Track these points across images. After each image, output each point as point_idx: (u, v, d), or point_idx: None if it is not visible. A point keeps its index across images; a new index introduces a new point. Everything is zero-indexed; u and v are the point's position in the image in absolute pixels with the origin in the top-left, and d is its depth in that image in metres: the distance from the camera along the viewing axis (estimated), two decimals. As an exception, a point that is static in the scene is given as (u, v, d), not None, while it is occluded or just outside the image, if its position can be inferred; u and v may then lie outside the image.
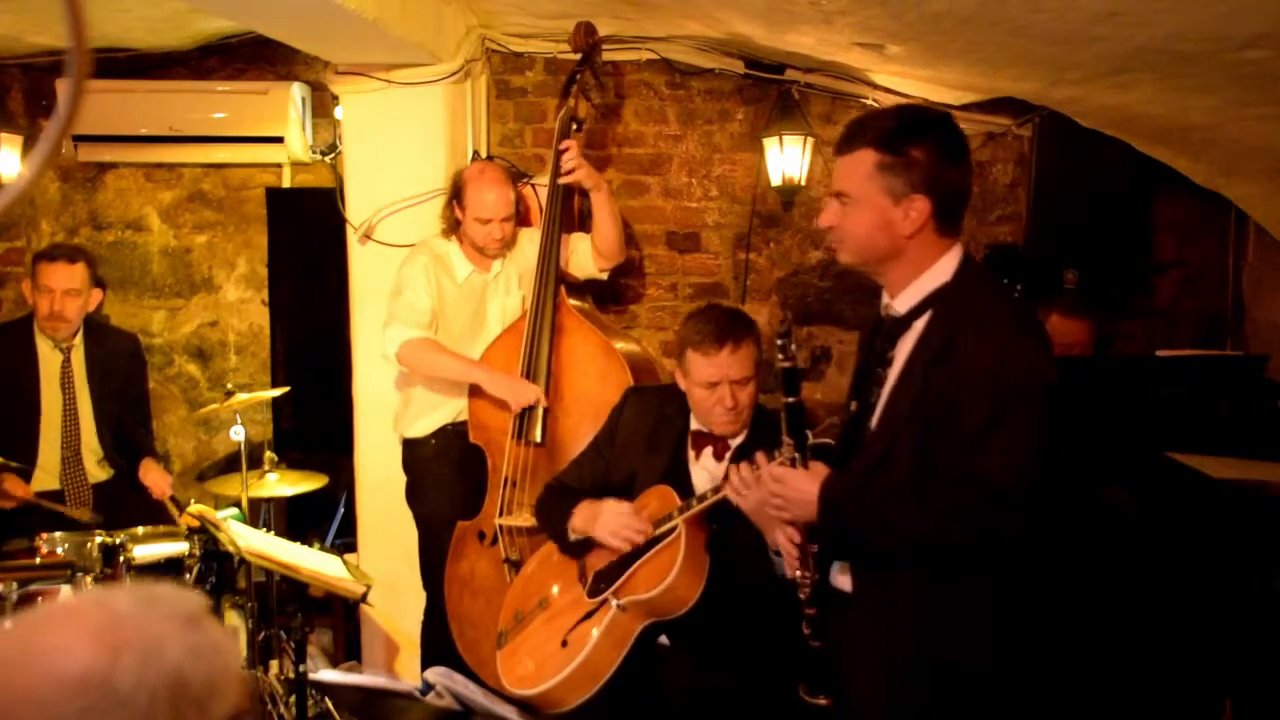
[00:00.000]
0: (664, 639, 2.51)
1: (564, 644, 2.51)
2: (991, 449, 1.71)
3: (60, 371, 3.65)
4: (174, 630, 0.94)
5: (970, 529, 1.73)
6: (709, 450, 2.57)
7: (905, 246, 1.86)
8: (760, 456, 2.11)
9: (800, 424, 1.96)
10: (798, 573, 2.00)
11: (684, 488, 2.51)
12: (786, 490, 1.92)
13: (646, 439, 2.66)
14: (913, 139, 1.82)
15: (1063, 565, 1.84)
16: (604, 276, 3.65)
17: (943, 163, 1.83)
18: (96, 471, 3.72)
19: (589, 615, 2.51)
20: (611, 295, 4.13)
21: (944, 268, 1.87)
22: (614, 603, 2.45)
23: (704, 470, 2.57)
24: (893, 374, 1.87)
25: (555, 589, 2.69)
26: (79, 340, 3.69)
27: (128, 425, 3.81)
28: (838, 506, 1.84)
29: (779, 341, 1.98)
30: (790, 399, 1.98)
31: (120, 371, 3.80)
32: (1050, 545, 1.79)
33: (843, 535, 1.88)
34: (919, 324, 1.86)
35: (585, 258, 3.57)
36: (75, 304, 3.60)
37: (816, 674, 2.03)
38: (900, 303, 1.90)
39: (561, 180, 3.42)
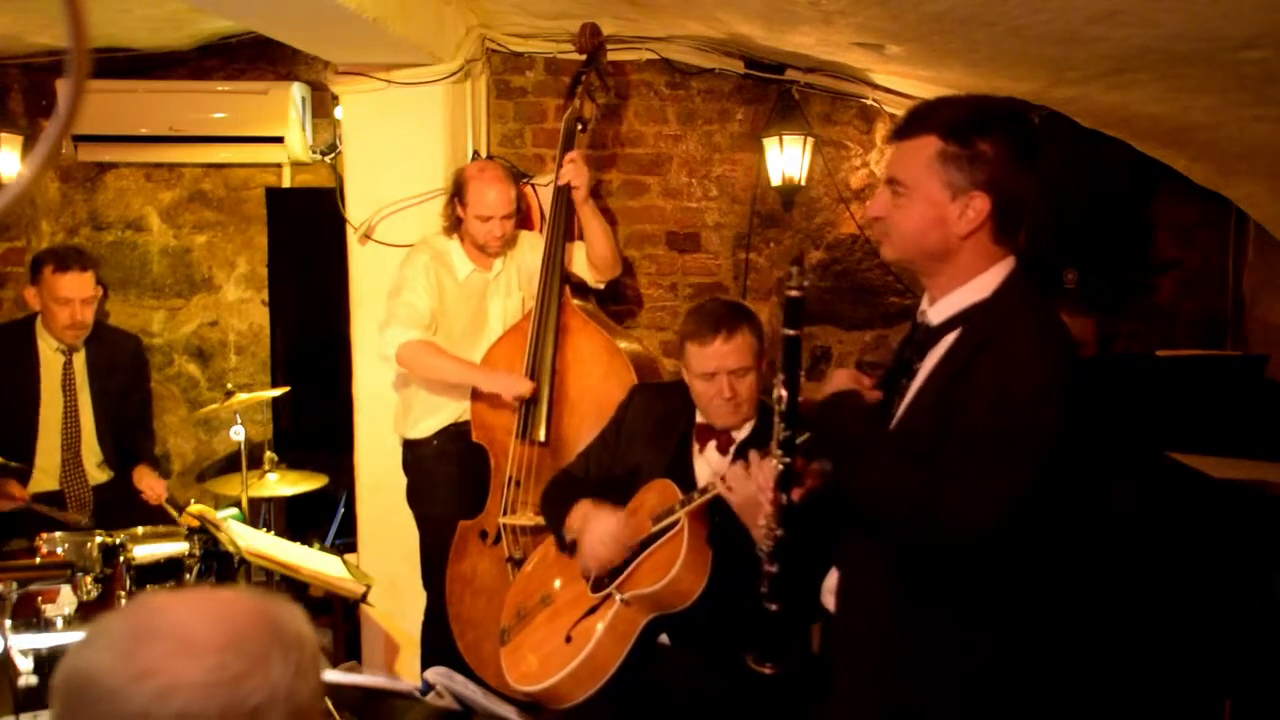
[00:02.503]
0: (665, 638, 2.51)
1: (568, 639, 2.51)
2: (968, 465, 1.59)
3: (62, 373, 3.65)
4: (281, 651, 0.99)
5: (923, 522, 1.61)
6: (713, 444, 2.57)
7: (957, 249, 1.70)
8: (754, 454, 2.15)
9: (795, 358, 1.83)
10: (763, 526, 1.92)
11: (687, 481, 2.50)
12: (822, 384, 1.84)
13: (651, 434, 2.67)
14: (983, 131, 1.66)
15: (1058, 584, 1.69)
16: (600, 287, 3.65)
17: (1012, 162, 1.67)
18: (96, 474, 3.72)
19: (593, 610, 2.51)
20: (612, 295, 4.12)
21: (985, 283, 1.71)
22: (618, 597, 2.46)
23: (707, 464, 2.57)
24: (913, 388, 1.75)
25: (558, 585, 2.69)
26: (80, 342, 3.69)
27: (127, 428, 3.80)
28: (840, 411, 1.75)
29: (792, 269, 1.81)
30: (790, 331, 1.82)
31: (122, 373, 3.79)
32: (1038, 579, 1.66)
33: (826, 444, 1.78)
34: (949, 339, 1.72)
35: (581, 267, 3.57)
36: (92, 310, 3.62)
37: (766, 640, 1.95)
38: (935, 312, 1.76)
39: (559, 183, 3.42)
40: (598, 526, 2.50)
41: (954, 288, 1.73)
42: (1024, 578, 1.63)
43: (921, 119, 1.72)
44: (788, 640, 1.96)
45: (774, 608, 1.91)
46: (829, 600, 1.91)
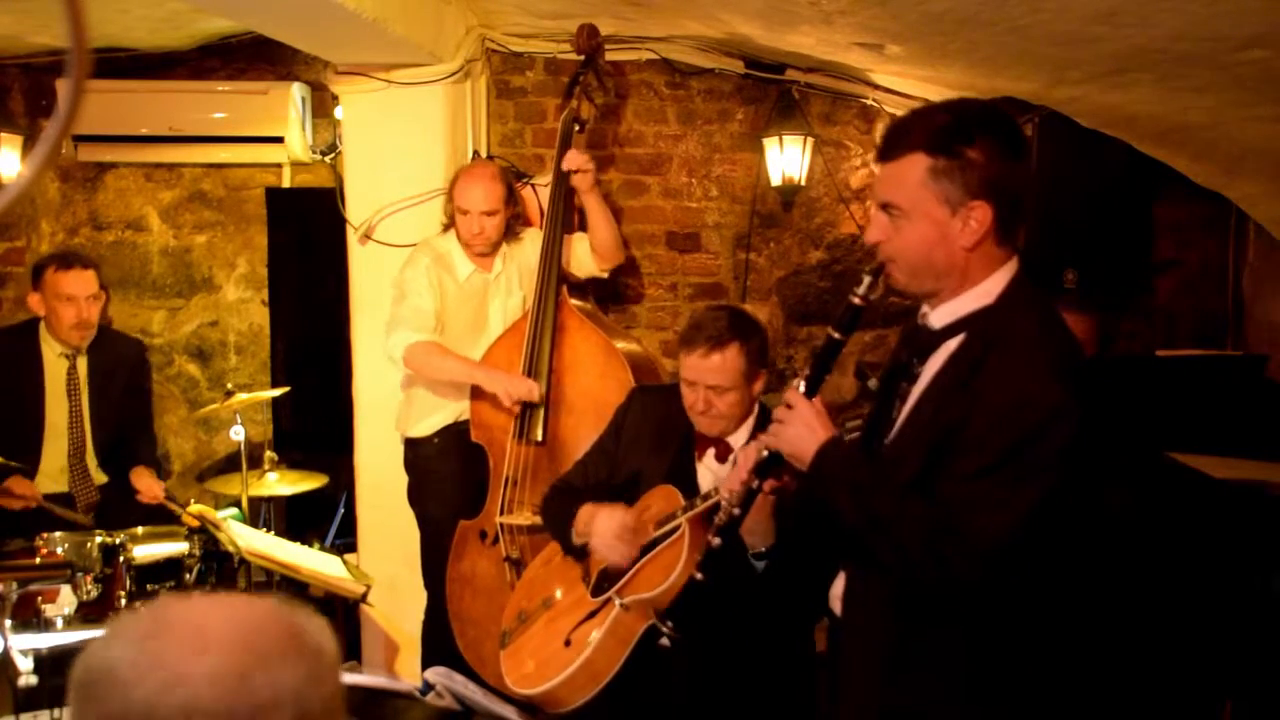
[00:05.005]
0: (664, 640, 2.50)
1: (567, 643, 2.51)
2: (975, 499, 1.56)
3: (66, 378, 3.65)
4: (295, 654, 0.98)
5: (929, 561, 1.60)
6: (711, 451, 2.55)
7: (966, 261, 1.66)
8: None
9: (827, 360, 1.81)
10: (725, 500, 1.94)
11: (689, 487, 2.49)
12: (796, 419, 1.76)
13: (652, 438, 2.65)
14: (968, 137, 1.61)
15: (1058, 590, 1.68)
16: (604, 275, 3.65)
17: (1003, 162, 1.62)
18: (99, 475, 3.72)
19: (592, 615, 2.51)
20: (612, 295, 4.13)
21: (989, 288, 1.67)
22: (617, 602, 2.45)
23: (709, 470, 2.55)
24: (915, 392, 1.73)
25: (559, 589, 2.68)
26: (86, 345, 3.68)
27: (127, 432, 3.79)
28: (831, 466, 1.72)
29: (866, 277, 1.75)
30: (836, 334, 1.79)
31: (123, 377, 3.77)
32: (1040, 587, 1.64)
33: (820, 492, 1.76)
34: (951, 344, 1.69)
35: (585, 257, 3.58)
36: (97, 309, 3.61)
37: (680, 605, 2.01)
38: (937, 317, 1.72)
39: (565, 167, 3.43)
40: (605, 523, 2.48)
41: (958, 294, 1.70)
42: (1026, 583, 1.63)
43: (903, 137, 1.67)
44: (699, 613, 2.02)
45: (700, 577, 1.97)
46: (836, 605, 1.91)
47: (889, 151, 1.69)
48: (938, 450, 1.63)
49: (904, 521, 1.62)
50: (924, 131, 1.65)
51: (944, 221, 1.64)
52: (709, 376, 2.42)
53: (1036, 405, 1.55)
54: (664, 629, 2.03)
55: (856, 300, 1.76)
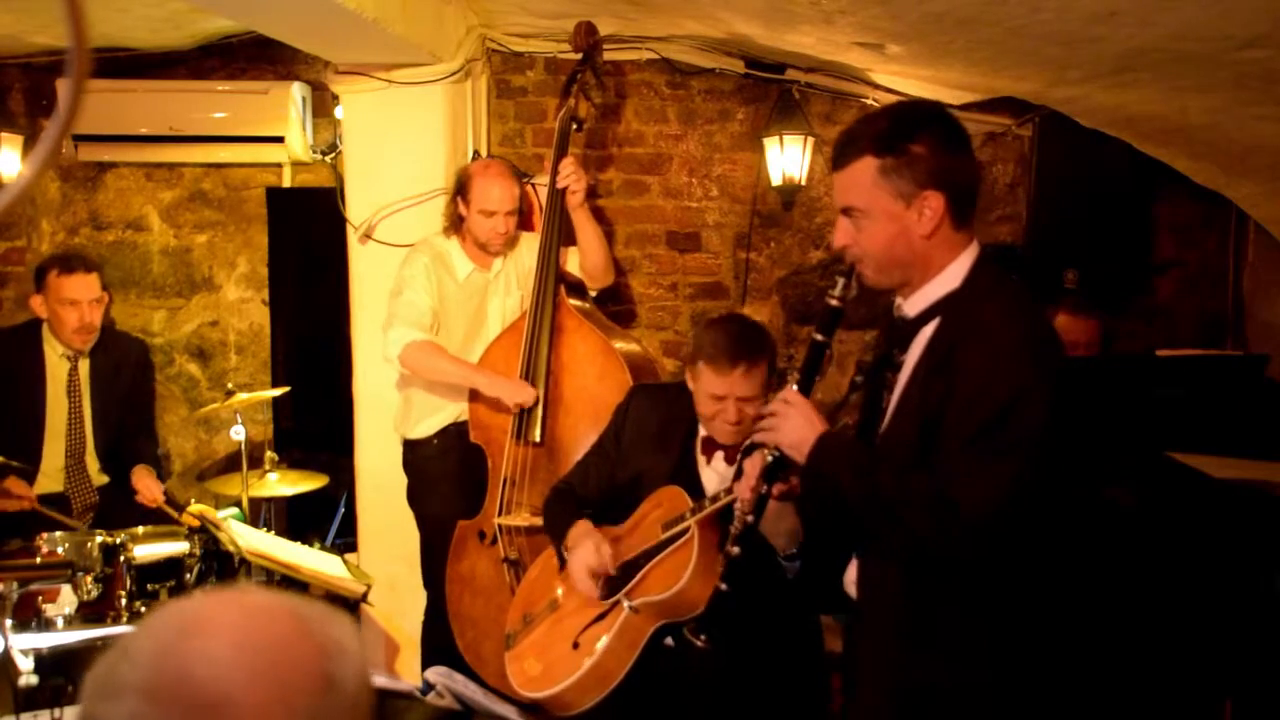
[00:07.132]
0: (669, 640, 2.50)
1: (575, 646, 2.50)
2: (963, 471, 1.65)
3: (67, 379, 3.64)
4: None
5: (932, 533, 1.68)
6: (720, 454, 2.54)
7: (926, 249, 1.78)
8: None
9: (815, 362, 1.90)
10: (738, 510, 2.00)
11: (693, 488, 2.49)
12: (794, 413, 1.84)
13: (654, 438, 2.64)
14: (910, 135, 1.74)
15: (1059, 578, 1.75)
16: (593, 293, 3.64)
17: (946, 153, 1.75)
18: (98, 477, 3.72)
19: (600, 617, 2.49)
20: (611, 295, 4.12)
21: (955, 272, 1.79)
22: (626, 604, 2.44)
23: (714, 472, 2.54)
24: (900, 381, 1.81)
25: (563, 591, 2.68)
26: (89, 348, 3.68)
27: (128, 432, 3.79)
28: (832, 451, 1.79)
29: (838, 279, 1.86)
30: (819, 336, 1.89)
31: (126, 379, 3.78)
32: (1041, 568, 1.71)
33: (819, 485, 1.83)
34: (927, 330, 1.79)
35: (575, 270, 3.57)
36: (99, 312, 3.61)
37: (707, 616, 2.05)
38: (910, 306, 1.83)
39: (558, 186, 3.42)
40: (583, 558, 2.50)
41: (926, 282, 1.81)
42: (1026, 559, 1.69)
43: (852, 144, 1.80)
44: (727, 621, 2.05)
45: (724, 588, 2.01)
46: (851, 590, 1.95)
47: (841, 159, 1.82)
48: (927, 432, 1.71)
49: (907, 497, 1.70)
50: (870, 136, 1.78)
51: (900, 214, 1.77)
52: (743, 389, 2.44)
53: (1004, 384, 1.65)
54: (698, 643, 2.05)
55: (833, 302, 1.88)
